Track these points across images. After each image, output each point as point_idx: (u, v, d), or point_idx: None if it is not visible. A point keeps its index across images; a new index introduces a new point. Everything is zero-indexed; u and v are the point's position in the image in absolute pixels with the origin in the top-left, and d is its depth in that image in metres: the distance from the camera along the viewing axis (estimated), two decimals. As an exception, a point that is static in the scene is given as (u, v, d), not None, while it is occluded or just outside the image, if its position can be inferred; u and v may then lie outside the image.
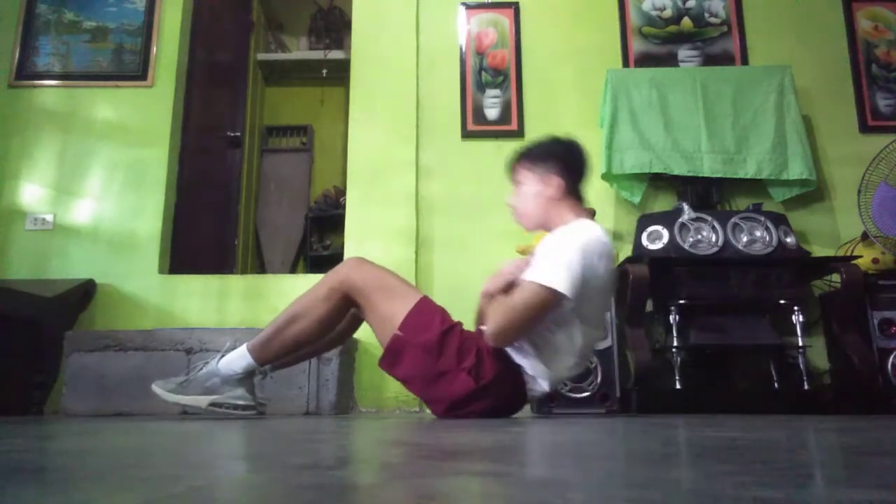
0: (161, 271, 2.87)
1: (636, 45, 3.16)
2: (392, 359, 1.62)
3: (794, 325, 2.49)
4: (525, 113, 3.07)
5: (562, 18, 3.20)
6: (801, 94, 2.94)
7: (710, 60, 3.13)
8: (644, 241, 2.62)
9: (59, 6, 3.15)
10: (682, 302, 2.48)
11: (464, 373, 1.56)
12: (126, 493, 0.45)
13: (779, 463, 0.64)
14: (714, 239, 2.55)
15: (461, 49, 3.16)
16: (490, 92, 3.11)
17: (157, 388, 1.66)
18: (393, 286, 1.66)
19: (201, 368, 1.68)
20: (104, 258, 2.86)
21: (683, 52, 3.15)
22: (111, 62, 3.09)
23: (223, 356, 1.68)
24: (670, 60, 3.14)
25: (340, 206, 3.99)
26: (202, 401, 1.63)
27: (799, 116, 2.84)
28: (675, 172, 2.79)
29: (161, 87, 3.06)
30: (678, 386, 2.43)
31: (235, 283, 2.91)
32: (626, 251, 2.81)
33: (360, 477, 0.56)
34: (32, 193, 2.94)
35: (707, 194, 2.81)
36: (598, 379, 2.39)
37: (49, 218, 2.90)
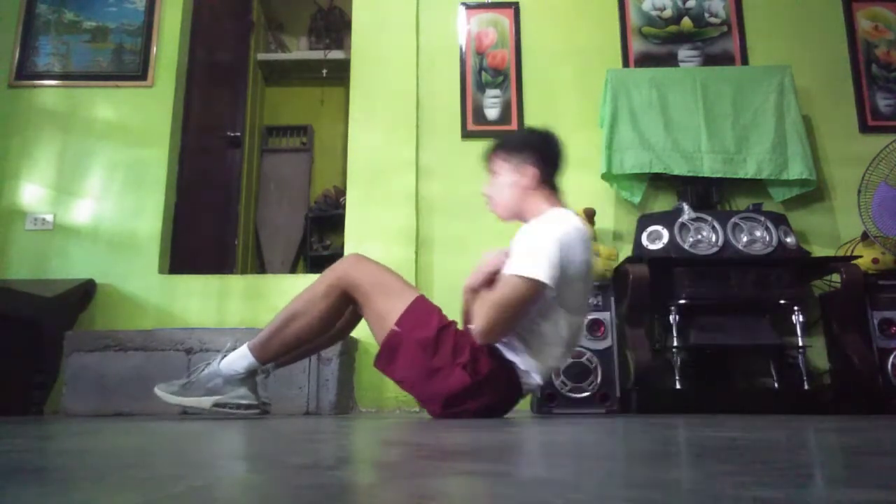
0: (161, 271, 2.87)
1: (636, 45, 3.16)
2: (388, 355, 1.63)
3: (794, 325, 2.49)
4: (525, 113, 3.07)
5: (562, 18, 3.20)
6: (801, 94, 2.94)
7: (710, 60, 3.13)
8: (644, 241, 2.62)
9: (59, 6, 3.15)
10: (682, 302, 2.48)
11: (459, 368, 1.56)
12: (126, 493, 0.45)
13: (779, 463, 0.64)
14: (714, 239, 2.55)
15: (461, 49, 3.16)
16: (490, 92, 3.11)
17: (159, 391, 1.67)
18: (390, 283, 1.67)
19: (203, 370, 1.68)
20: (104, 258, 2.86)
21: (683, 52, 3.15)
22: (111, 62, 3.09)
23: (224, 357, 1.68)
24: (670, 60, 3.14)
25: (340, 206, 3.99)
26: (205, 402, 1.64)
27: (799, 116, 2.84)
28: (675, 172, 2.79)
29: (161, 87, 3.06)
30: (678, 386, 2.43)
31: (235, 283, 2.91)
32: (626, 251, 2.81)
33: (360, 477, 0.56)
34: (32, 193, 2.94)
35: (707, 194, 2.81)
36: (598, 379, 2.39)
37: (49, 218, 2.90)
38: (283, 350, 1.69)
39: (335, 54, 4.53)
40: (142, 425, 1.38)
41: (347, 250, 2.85)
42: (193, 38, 3.26)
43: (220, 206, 3.75)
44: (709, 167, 2.78)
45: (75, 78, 3.07)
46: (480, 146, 2.57)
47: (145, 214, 2.92)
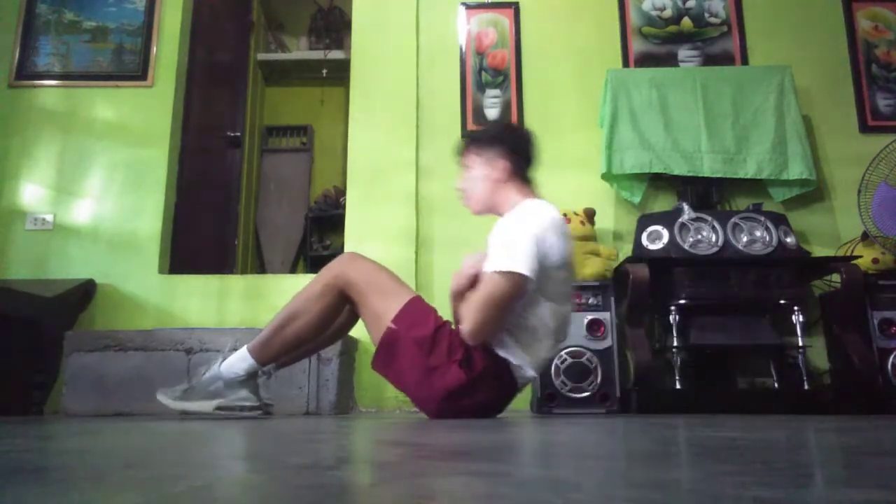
0: (161, 271, 2.87)
1: (636, 45, 3.16)
2: (386, 355, 1.63)
3: (794, 325, 2.49)
4: (525, 113, 3.07)
5: (562, 18, 3.20)
6: (801, 94, 2.94)
7: (710, 60, 3.13)
8: (644, 241, 2.62)
9: (59, 6, 3.15)
10: (682, 302, 2.48)
11: (455, 365, 1.57)
12: (126, 493, 0.45)
13: (779, 463, 0.64)
14: (714, 239, 2.55)
15: (461, 49, 3.16)
16: (490, 92, 3.11)
17: (161, 397, 1.68)
18: (386, 283, 1.68)
19: (204, 374, 1.69)
20: (104, 258, 2.86)
21: (683, 52, 3.15)
22: (111, 62, 3.09)
23: (224, 359, 1.69)
24: (670, 60, 3.14)
25: (340, 206, 3.99)
26: (207, 405, 1.65)
27: (799, 116, 2.84)
28: (675, 172, 2.79)
29: (161, 87, 3.06)
30: (678, 386, 2.43)
31: (235, 283, 2.92)
32: (626, 251, 2.81)
33: (359, 477, 0.56)
34: (32, 193, 2.94)
35: (707, 194, 2.81)
36: (598, 379, 2.39)
37: (49, 218, 2.90)
38: (283, 350, 1.70)
39: (335, 54, 4.53)
40: (142, 425, 1.38)
41: (347, 250, 2.85)
42: (193, 38, 3.26)
43: (220, 206, 3.75)
44: (709, 167, 2.78)
45: (75, 78, 3.07)
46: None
47: (145, 214, 2.92)
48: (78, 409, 2.22)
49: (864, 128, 3.05)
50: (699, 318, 2.52)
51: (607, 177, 2.86)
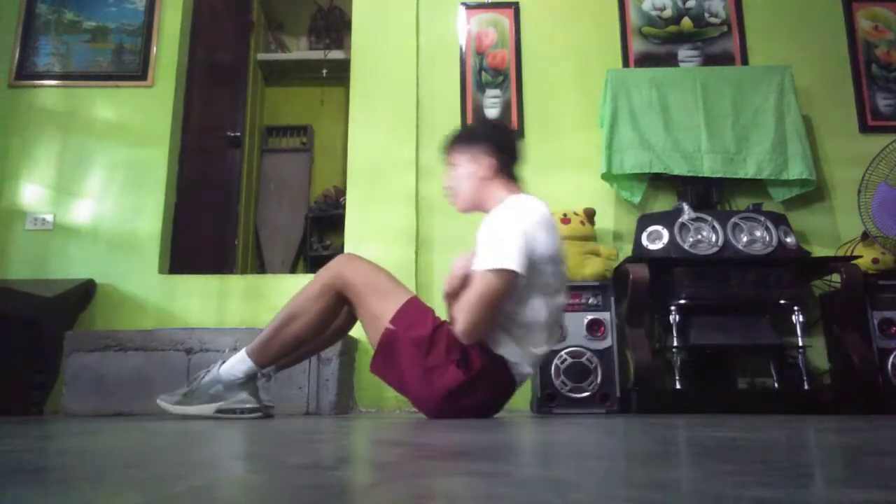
0: (161, 271, 2.87)
1: (636, 45, 3.16)
2: (384, 355, 1.63)
3: (794, 325, 2.49)
4: (525, 113, 3.07)
5: (562, 18, 3.20)
6: (801, 94, 2.94)
7: (710, 60, 3.13)
8: (644, 241, 2.62)
9: (59, 6, 3.15)
10: (682, 302, 2.48)
11: (453, 364, 1.57)
12: (126, 493, 0.45)
13: (779, 463, 0.64)
14: (714, 239, 2.55)
15: (461, 49, 3.16)
16: (490, 92, 3.11)
17: (162, 402, 1.69)
18: (384, 283, 1.68)
19: (203, 377, 1.69)
20: (104, 258, 2.86)
21: (683, 52, 3.15)
22: (111, 62, 3.09)
23: (224, 362, 1.69)
24: (670, 60, 3.14)
25: (340, 206, 3.99)
26: (208, 409, 1.65)
27: (799, 116, 2.84)
28: (675, 172, 2.79)
29: (161, 87, 3.06)
30: (678, 386, 2.43)
31: (235, 283, 2.92)
32: (626, 251, 2.81)
33: (359, 477, 0.56)
34: (32, 193, 2.94)
35: (707, 194, 2.81)
36: (598, 379, 2.39)
37: (49, 218, 2.90)
38: (282, 352, 1.70)
39: (335, 54, 4.53)
40: (142, 425, 1.38)
41: (347, 250, 2.85)
42: (193, 38, 3.26)
43: (220, 206, 3.75)
44: (709, 167, 2.78)
45: (75, 78, 3.07)
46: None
47: (145, 214, 2.92)
48: (78, 409, 2.22)
49: (864, 128, 3.05)
50: (699, 318, 2.51)
51: (607, 177, 2.86)
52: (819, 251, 2.86)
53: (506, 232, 1.57)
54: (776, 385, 2.58)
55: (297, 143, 4.67)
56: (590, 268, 2.51)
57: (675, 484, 0.50)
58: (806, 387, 2.46)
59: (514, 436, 1.08)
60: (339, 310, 1.73)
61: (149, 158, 2.98)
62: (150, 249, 2.87)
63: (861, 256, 2.61)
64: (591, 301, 2.49)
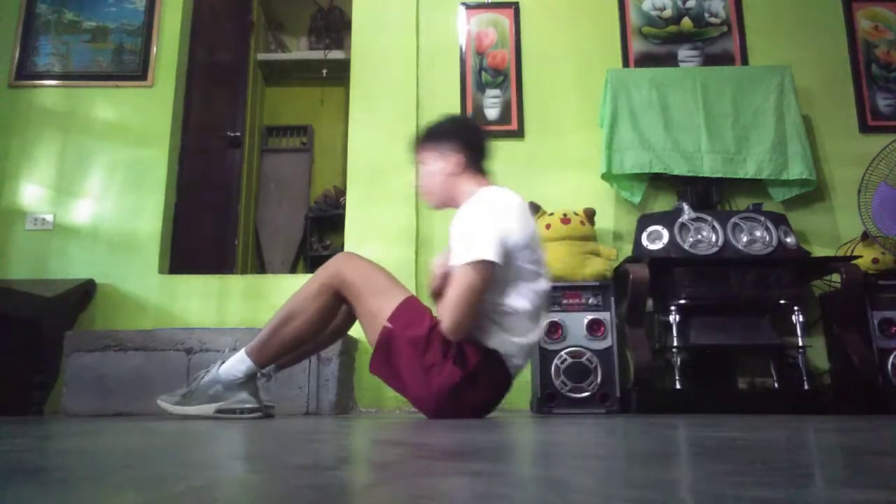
0: (161, 271, 2.87)
1: (636, 45, 3.16)
2: (383, 354, 1.64)
3: (794, 325, 2.49)
4: (525, 113, 3.07)
5: (562, 18, 3.20)
6: (801, 94, 2.94)
7: (710, 60, 3.13)
8: (644, 241, 2.62)
9: (59, 6, 3.15)
10: (682, 302, 2.48)
11: (449, 362, 1.58)
12: (126, 493, 0.45)
13: (779, 463, 0.64)
14: (714, 239, 2.55)
15: (461, 49, 3.16)
16: (490, 92, 3.11)
17: (162, 403, 1.70)
18: (382, 282, 1.68)
19: (203, 377, 1.69)
20: (104, 258, 2.86)
21: (683, 52, 3.15)
22: (111, 62, 3.09)
23: (224, 362, 1.69)
24: (670, 60, 3.14)
25: (340, 206, 3.99)
26: (208, 409, 1.66)
27: (799, 116, 2.84)
28: (675, 172, 2.79)
29: (161, 87, 3.06)
30: (678, 386, 2.43)
31: (235, 283, 2.91)
32: (626, 251, 2.81)
33: (359, 477, 0.56)
34: (32, 193, 2.94)
35: (707, 194, 2.81)
36: (598, 379, 2.39)
37: (49, 218, 2.90)
38: (281, 351, 1.70)
39: (335, 54, 4.53)
40: (142, 425, 1.38)
41: (346, 250, 2.85)
42: (193, 38, 3.26)
43: (220, 206, 3.75)
44: (709, 167, 2.78)
45: (75, 78, 3.07)
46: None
47: (145, 214, 2.92)
48: (78, 409, 2.22)
49: (864, 128, 3.05)
50: (699, 318, 2.51)
51: (607, 177, 2.86)
52: (819, 251, 2.86)
53: (477, 224, 1.58)
54: (776, 385, 2.58)
55: (297, 143, 4.67)
56: (590, 268, 2.51)
57: (675, 484, 0.50)
58: (806, 387, 2.46)
59: (513, 436, 1.08)
60: (337, 308, 1.73)
61: (149, 158, 2.98)
62: (150, 249, 2.87)
63: (861, 256, 2.61)
64: (591, 301, 2.49)
